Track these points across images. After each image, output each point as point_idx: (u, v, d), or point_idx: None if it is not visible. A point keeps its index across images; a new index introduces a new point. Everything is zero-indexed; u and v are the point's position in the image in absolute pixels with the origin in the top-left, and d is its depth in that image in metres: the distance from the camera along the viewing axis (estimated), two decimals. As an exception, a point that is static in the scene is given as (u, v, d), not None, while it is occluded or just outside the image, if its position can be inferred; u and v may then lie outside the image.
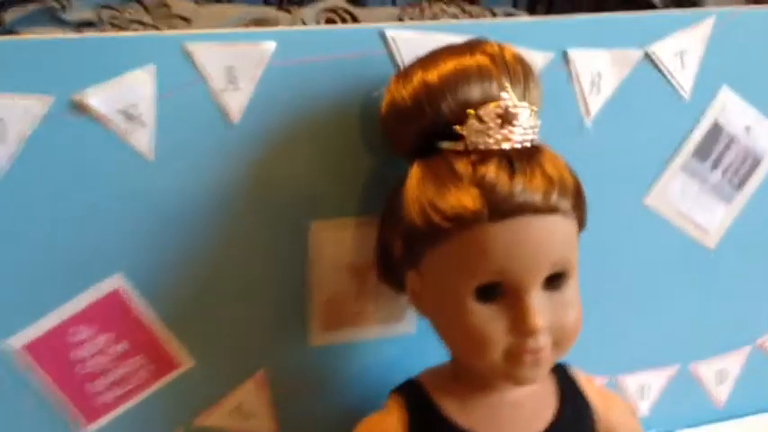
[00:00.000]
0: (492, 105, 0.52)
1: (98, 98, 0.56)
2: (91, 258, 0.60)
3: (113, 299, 0.61)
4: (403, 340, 0.70)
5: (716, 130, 0.74)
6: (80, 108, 0.56)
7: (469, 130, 0.53)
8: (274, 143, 0.62)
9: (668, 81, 0.71)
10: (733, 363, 0.84)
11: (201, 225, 0.62)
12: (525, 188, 0.50)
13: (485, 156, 0.52)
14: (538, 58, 0.66)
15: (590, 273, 0.74)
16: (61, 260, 0.59)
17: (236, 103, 0.60)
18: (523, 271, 0.51)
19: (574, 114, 0.69)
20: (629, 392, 0.80)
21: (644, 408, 0.81)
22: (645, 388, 0.81)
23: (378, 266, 0.61)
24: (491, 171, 0.51)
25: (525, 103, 0.53)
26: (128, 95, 0.57)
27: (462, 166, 0.52)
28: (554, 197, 0.51)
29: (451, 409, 0.57)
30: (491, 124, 0.52)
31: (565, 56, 0.67)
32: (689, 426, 0.84)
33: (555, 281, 0.53)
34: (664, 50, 0.70)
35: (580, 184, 0.55)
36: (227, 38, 0.59)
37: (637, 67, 0.70)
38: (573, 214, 0.53)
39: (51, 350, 0.60)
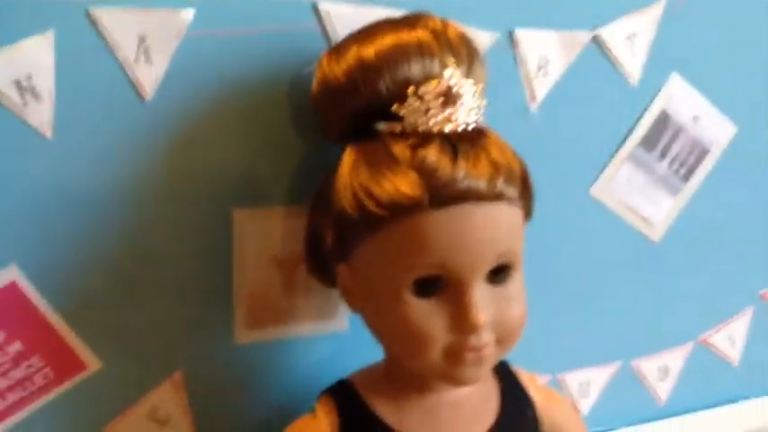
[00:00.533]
0: (433, 83, 0.48)
1: (-12, 67, 0.50)
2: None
3: (7, 293, 0.54)
4: (335, 338, 0.65)
5: (664, 119, 0.71)
6: (-33, 78, 0.49)
7: (408, 109, 0.48)
8: (192, 123, 0.56)
9: (617, 66, 0.68)
10: (675, 359, 0.82)
11: (108, 212, 0.55)
12: (469, 173, 0.46)
13: (425, 138, 0.47)
14: (483, 38, 0.61)
15: (532, 265, 0.71)
16: (-54, 250, 0.52)
17: (148, 77, 0.53)
18: (466, 263, 0.47)
19: (519, 98, 0.65)
20: (571, 390, 0.77)
21: (585, 406, 0.78)
22: (586, 385, 0.78)
23: (307, 259, 0.56)
24: (432, 154, 0.46)
25: (470, 81, 0.49)
26: (22, 65, 0.50)
27: (400, 150, 0.47)
28: (499, 184, 0.47)
29: (385, 411, 0.53)
30: (432, 104, 0.47)
31: (511, 36, 0.63)
32: (630, 424, 0.81)
33: (499, 274, 0.49)
34: (613, 33, 0.67)
35: (527, 171, 0.51)
36: (138, 3, 0.52)
37: (585, 50, 0.66)
38: (519, 203, 0.49)
39: (-66, 352, 0.54)
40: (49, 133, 0.52)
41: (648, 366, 0.81)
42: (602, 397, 0.79)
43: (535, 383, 0.58)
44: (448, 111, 0.47)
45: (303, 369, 0.65)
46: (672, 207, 0.75)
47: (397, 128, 0.48)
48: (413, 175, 0.46)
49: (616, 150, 0.71)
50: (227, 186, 0.58)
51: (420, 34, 0.50)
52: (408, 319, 0.48)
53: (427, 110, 0.47)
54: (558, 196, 0.70)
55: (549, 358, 0.76)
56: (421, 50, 0.49)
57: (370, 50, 0.49)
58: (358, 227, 0.48)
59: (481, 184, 0.46)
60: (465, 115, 0.48)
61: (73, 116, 0.53)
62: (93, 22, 0.51)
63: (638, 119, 0.71)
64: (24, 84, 0.51)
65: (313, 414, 0.54)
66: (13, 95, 0.51)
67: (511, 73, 0.64)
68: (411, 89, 0.48)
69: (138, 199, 0.56)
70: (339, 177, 0.50)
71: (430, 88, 0.48)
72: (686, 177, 0.74)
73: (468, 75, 0.50)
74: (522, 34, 0.63)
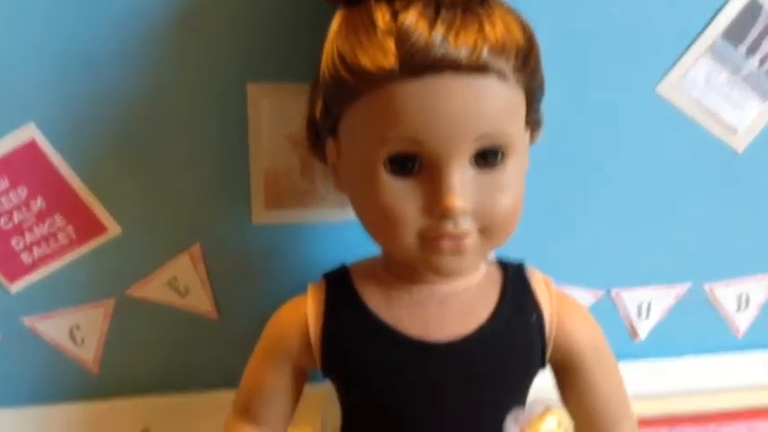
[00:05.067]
0: (420, -65, 0.42)
1: None
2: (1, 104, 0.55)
3: (27, 150, 0.56)
4: (353, 225, 0.62)
5: (754, 7, 0.61)
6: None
7: (394, -33, 0.43)
8: (203, -12, 0.54)
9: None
10: (758, 289, 0.72)
11: (122, 74, 0.55)
12: (448, 40, 0.41)
13: (410, 2, 0.43)
14: None
15: (588, 170, 0.64)
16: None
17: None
18: (441, 141, 0.42)
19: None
20: (628, 309, 0.71)
21: (643, 328, 0.72)
22: (646, 306, 0.71)
23: (306, 134, 0.53)
24: (411, 17, 0.42)
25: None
26: None
27: (381, 14, 0.43)
28: (484, 54, 0.41)
29: (373, 299, 0.51)
30: (418, -39, 0.42)
31: None
32: (699, 352, 0.73)
33: (488, 158, 0.44)
34: None
35: (533, 46, 0.45)
36: None
37: None
38: (516, 79, 0.43)
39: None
40: (64, -9, 0.53)
41: (725, 292, 0.72)
42: (665, 320, 0.72)
43: (549, 287, 0.53)
44: (436, -30, 0.42)
45: (320, 254, 0.63)
46: (761, 112, 0.65)
47: (383, -12, 0.44)
48: (388, 43, 0.42)
49: (691, 43, 0.61)
50: (240, 59, 0.56)
51: None
52: (381, 198, 0.45)
53: (413, -33, 0.42)
54: (617, 93, 0.62)
55: (604, 272, 0.69)
56: None
57: None
58: (336, 96, 0.45)
59: (461, 53, 0.41)
60: (458, -24, 0.43)
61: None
62: None
63: (722, 5, 0.60)
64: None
65: (304, 295, 0.53)
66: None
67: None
68: (396, -56, 0.43)
69: (150, 62, 0.55)
70: (326, 43, 0.46)
71: (416, -59, 0.42)
72: (782, 78, 0.64)
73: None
74: None
